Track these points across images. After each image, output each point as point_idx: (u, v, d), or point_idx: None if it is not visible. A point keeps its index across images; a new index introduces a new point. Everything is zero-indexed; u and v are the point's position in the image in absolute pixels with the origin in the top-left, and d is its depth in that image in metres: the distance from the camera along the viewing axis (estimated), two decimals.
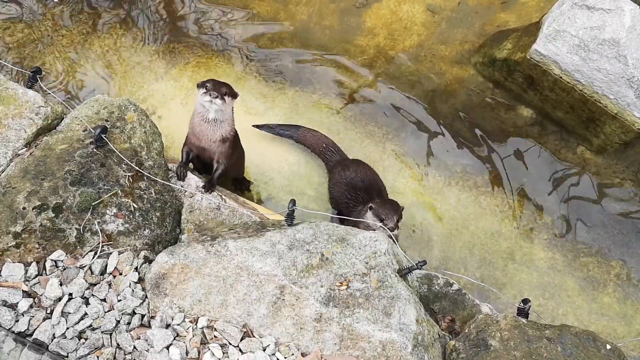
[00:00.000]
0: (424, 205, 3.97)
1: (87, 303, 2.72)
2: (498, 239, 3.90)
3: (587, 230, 3.95)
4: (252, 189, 3.95)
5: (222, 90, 3.22)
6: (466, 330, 2.85)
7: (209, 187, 3.28)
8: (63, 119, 3.19)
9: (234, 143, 3.43)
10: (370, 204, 3.43)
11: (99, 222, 2.86)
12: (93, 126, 3.06)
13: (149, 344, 2.63)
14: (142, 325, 2.71)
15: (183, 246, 2.84)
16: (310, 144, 4.06)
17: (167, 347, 2.61)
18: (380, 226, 3.31)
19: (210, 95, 3.19)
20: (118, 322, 2.69)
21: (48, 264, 2.77)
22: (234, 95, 3.32)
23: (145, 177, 3.06)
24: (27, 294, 2.71)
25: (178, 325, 2.69)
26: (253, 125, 4.05)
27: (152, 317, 2.72)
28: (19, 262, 2.76)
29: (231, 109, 3.34)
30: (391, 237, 3.06)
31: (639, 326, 3.71)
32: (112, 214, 2.90)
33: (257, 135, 4.01)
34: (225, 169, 3.42)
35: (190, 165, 3.47)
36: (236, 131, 3.45)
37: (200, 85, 3.28)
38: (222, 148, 3.37)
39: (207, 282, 2.73)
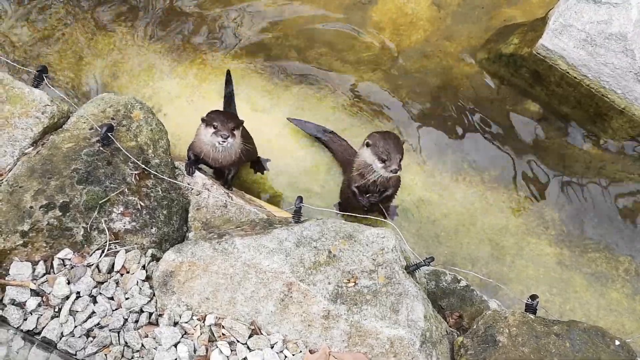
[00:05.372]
0: (430, 201, 3.96)
1: (94, 301, 2.73)
2: (505, 235, 3.88)
3: (595, 225, 3.93)
4: (258, 184, 3.94)
5: (231, 127, 3.23)
6: (474, 327, 2.85)
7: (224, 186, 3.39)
8: (69, 117, 3.19)
9: (242, 149, 3.45)
10: (367, 140, 3.04)
11: (105, 221, 2.86)
12: (99, 124, 3.06)
13: (157, 342, 2.63)
14: (150, 323, 2.72)
15: (190, 244, 2.84)
16: (335, 151, 4.02)
17: (175, 345, 2.61)
18: (382, 167, 3.04)
19: (221, 137, 3.20)
20: (126, 320, 2.69)
21: (55, 262, 2.78)
22: (239, 125, 3.32)
23: (152, 175, 3.06)
24: (35, 293, 2.72)
25: (186, 323, 2.69)
26: (287, 119, 4.09)
27: (160, 315, 2.73)
28: (26, 261, 2.76)
29: (239, 135, 3.34)
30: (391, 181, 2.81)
31: None
32: (119, 212, 2.90)
33: (263, 133, 4.01)
34: (237, 171, 3.51)
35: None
36: (245, 127, 3.44)
37: (208, 123, 3.25)
38: (232, 162, 3.42)
39: (214, 279, 2.73)
